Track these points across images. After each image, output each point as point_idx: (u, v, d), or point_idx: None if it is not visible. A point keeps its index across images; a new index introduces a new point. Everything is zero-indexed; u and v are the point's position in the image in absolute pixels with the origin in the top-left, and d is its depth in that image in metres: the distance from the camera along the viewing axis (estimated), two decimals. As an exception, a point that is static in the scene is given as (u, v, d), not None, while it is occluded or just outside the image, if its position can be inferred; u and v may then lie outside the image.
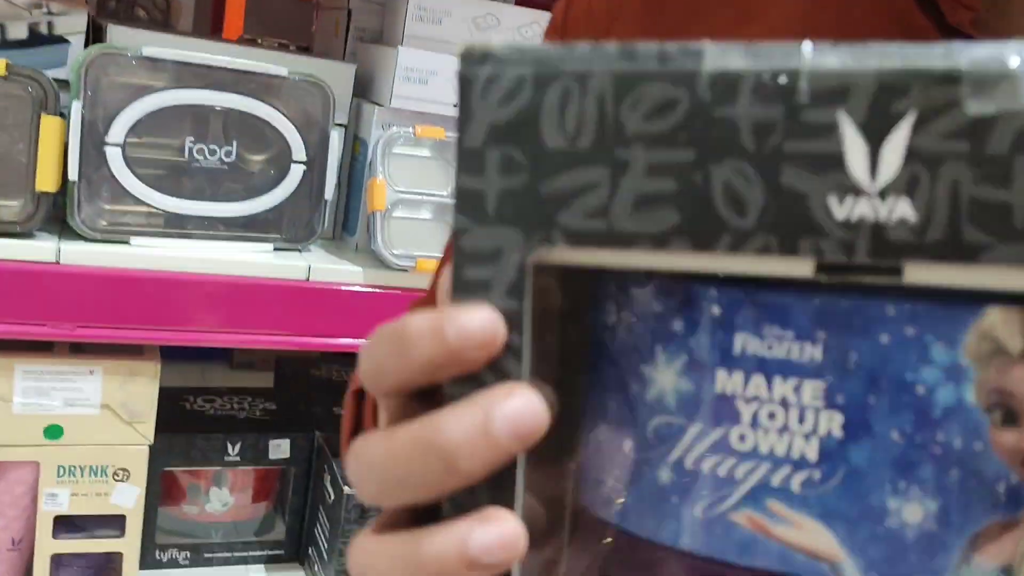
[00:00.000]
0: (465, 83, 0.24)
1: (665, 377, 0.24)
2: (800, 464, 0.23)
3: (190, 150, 0.92)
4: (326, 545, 1.09)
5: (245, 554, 1.14)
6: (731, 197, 0.21)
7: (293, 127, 0.95)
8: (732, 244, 0.21)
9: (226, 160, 0.94)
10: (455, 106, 0.24)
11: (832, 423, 0.22)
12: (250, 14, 2.12)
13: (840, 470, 0.22)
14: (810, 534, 0.23)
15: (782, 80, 0.21)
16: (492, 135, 0.23)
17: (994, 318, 0.22)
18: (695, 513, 0.24)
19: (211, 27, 2.92)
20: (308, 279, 0.95)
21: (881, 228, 0.20)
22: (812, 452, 0.23)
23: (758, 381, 0.23)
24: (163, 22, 1.42)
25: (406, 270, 0.98)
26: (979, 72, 0.19)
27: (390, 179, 0.99)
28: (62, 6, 0.92)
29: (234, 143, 0.94)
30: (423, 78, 1.00)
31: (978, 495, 0.22)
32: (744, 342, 0.23)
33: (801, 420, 0.23)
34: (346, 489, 1.04)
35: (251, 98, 0.93)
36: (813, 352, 0.23)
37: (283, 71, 0.94)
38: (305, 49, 1.49)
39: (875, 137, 0.20)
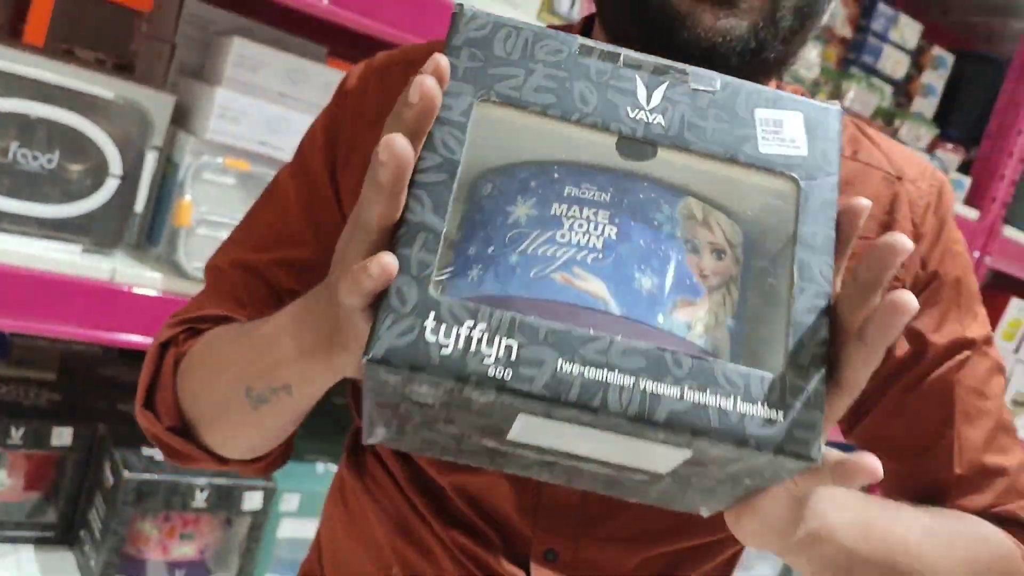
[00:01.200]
0: (458, 15, 0.46)
1: (521, 209, 0.46)
2: (592, 250, 0.45)
3: (15, 153, 1.02)
4: (100, 527, 1.18)
5: (15, 534, 1.21)
6: (580, 97, 0.46)
7: (113, 144, 1.08)
8: (578, 119, 0.45)
9: (47, 167, 1.04)
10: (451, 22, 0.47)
11: (611, 231, 0.45)
12: (60, 22, 2.16)
13: (612, 255, 0.45)
14: (593, 285, 0.44)
15: (620, 61, 0.47)
16: (467, 42, 0.46)
17: (692, 201, 0.47)
18: (530, 275, 0.44)
19: (10, 29, 2.86)
20: (112, 280, 1.07)
21: (648, 124, 0.45)
22: (599, 244, 0.45)
23: (575, 208, 0.46)
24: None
25: (201, 280, 1.11)
26: (692, 70, 0.47)
27: (197, 201, 1.13)
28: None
29: (56, 152, 1.05)
30: (236, 117, 1.14)
31: (677, 283, 0.45)
32: (569, 190, 0.46)
33: (595, 228, 0.45)
34: (126, 474, 1.15)
35: (77, 114, 1.05)
36: (605, 196, 0.46)
37: (110, 95, 1.06)
38: (125, 68, 1.60)
39: (651, 86, 0.46)
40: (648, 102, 0.46)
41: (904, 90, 1.99)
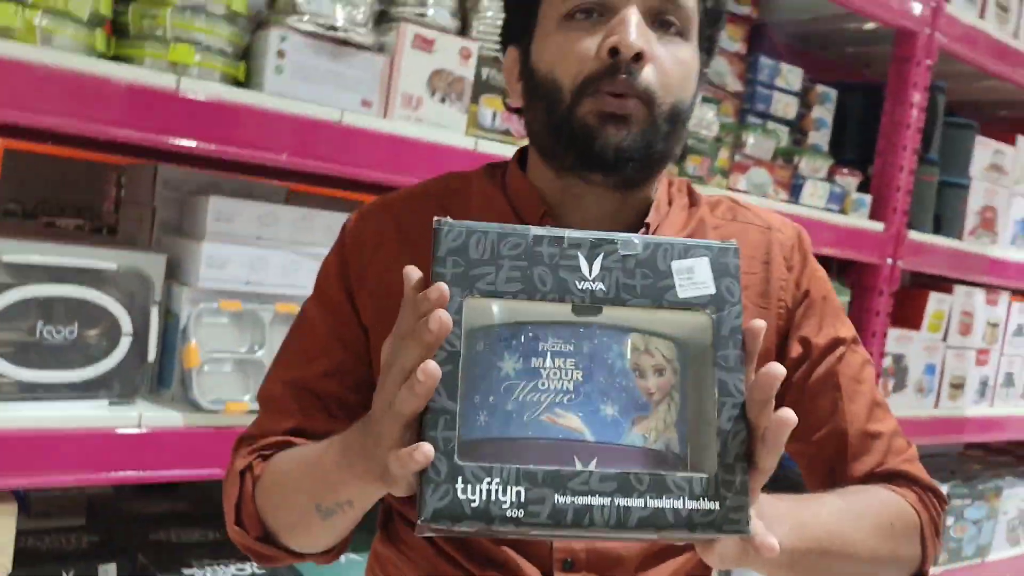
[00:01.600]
0: (439, 230, 0.64)
1: (508, 364, 0.64)
2: (566, 392, 0.64)
3: (40, 331, 1.18)
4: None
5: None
6: (540, 279, 0.65)
7: (121, 307, 1.23)
8: (541, 297, 0.65)
9: (69, 338, 1.20)
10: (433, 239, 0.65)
11: (577, 375, 0.65)
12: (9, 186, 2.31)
13: (581, 394, 0.64)
14: (572, 421, 0.64)
15: (565, 243, 0.66)
16: (449, 252, 0.64)
17: (635, 336, 0.66)
18: (524, 419, 0.64)
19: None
20: (139, 426, 1.22)
21: (593, 292, 0.65)
22: (571, 387, 0.65)
23: (548, 360, 0.65)
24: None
25: (217, 412, 1.27)
26: (620, 239, 0.67)
27: (200, 343, 1.29)
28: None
29: (75, 323, 1.20)
30: (222, 264, 1.31)
31: (630, 405, 0.65)
32: (542, 345, 0.65)
33: (566, 374, 0.65)
34: (172, 595, 1.28)
35: (88, 287, 1.20)
36: (569, 347, 0.65)
37: (113, 266, 1.22)
38: (111, 231, 1.76)
39: (590, 260, 0.66)
40: (590, 273, 0.66)
41: (799, 128, 2.22)
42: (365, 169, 1.35)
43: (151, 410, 1.25)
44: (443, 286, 0.62)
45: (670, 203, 0.95)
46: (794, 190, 2.01)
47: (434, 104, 1.42)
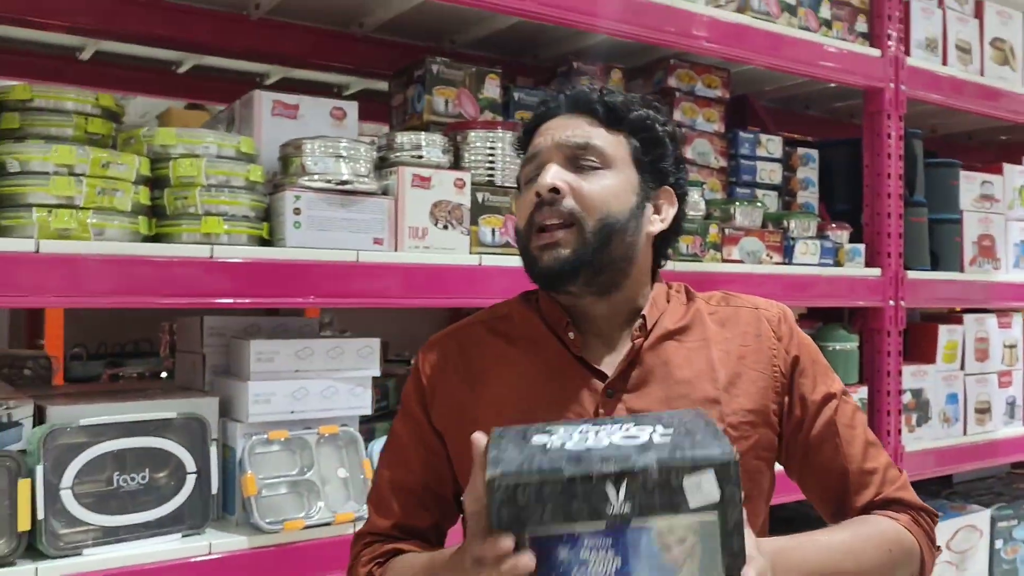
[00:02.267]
0: (491, 486, 0.82)
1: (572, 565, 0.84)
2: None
3: (116, 480, 1.35)
4: None
5: None
6: (578, 513, 0.84)
7: (185, 450, 1.41)
8: (590, 515, 0.84)
9: (142, 483, 1.37)
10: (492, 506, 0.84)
11: (617, 561, 0.84)
12: (72, 330, 2.53)
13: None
14: None
15: (593, 480, 0.83)
16: (502, 503, 0.83)
17: (659, 522, 0.84)
18: None
19: (27, 339, 3.24)
20: (209, 553, 1.38)
21: (623, 515, 0.83)
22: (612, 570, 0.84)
23: (591, 554, 0.84)
24: (46, 377, 1.84)
25: (278, 531, 1.43)
26: (639, 467, 0.84)
27: (256, 471, 1.45)
28: (15, 400, 1.35)
29: (146, 469, 1.37)
30: (268, 399, 1.48)
31: None
32: (585, 546, 0.84)
33: (605, 564, 0.84)
34: None
35: (154, 436, 1.38)
36: (608, 541, 0.84)
37: (174, 414, 1.40)
38: (169, 375, 1.94)
39: (617, 487, 0.84)
40: (618, 499, 0.83)
41: (788, 190, 2.37)
42: (383, 299, 1.52)
43: (218, 537, 1.41)
44: (505, 543, 0.82)
45: (668, 300, 1.18)
46: (787, 252, 2.15)
47: (438, 232, 1.60)
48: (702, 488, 0.83)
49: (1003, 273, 2.66)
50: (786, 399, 1.14)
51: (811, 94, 2.64)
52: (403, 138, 1.63)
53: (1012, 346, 2.71)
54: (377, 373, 1.61)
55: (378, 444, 1.60)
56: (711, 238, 2.01)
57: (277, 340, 1.53)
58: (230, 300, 1.39)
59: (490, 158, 1.67)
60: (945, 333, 2.50)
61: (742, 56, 2.05)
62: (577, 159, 1.10)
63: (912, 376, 2.39)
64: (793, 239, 2.16)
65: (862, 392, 2.29)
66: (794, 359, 1.15)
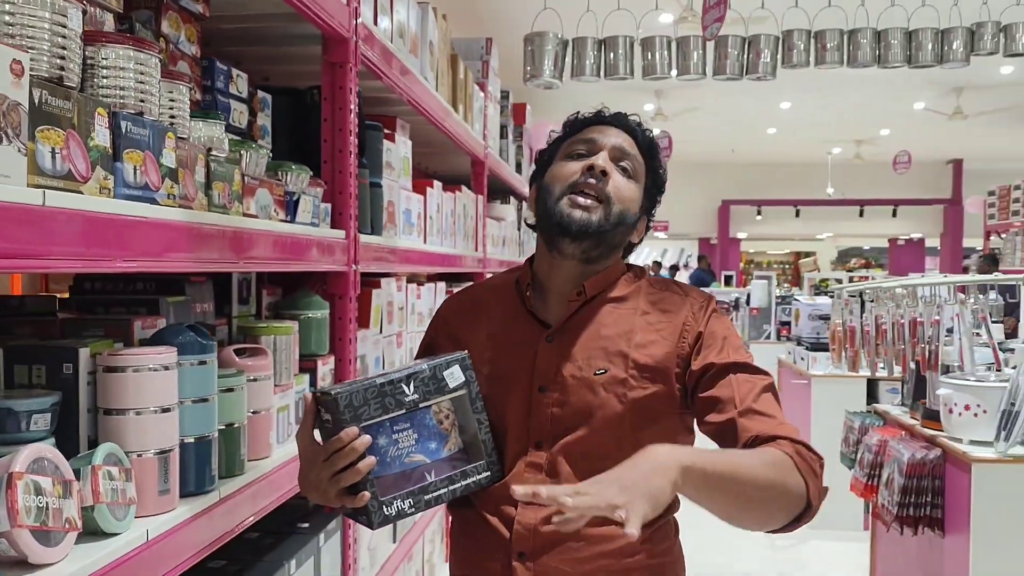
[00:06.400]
0: (337, 399, 1.30)
1: (382, 440, 1.35)
2: (411, 445, 1.39)
3: None
4: None
5: None
6: (389, 404, 1.36)
7: None
8: (386, 414, 1.36)
9: None
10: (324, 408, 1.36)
11: (414, 435, 1.39)
12: None
13: (418, 442, 1.39)
14: (417, 458, 1.40)
15: (395, 382, 1.38)
16: (345, 407, 1.31)
17: (433, 406, 1.41)
18: (398, 463, 1.37)
19: None
20: None
21: (414, 400, 1.39)
22: (413, 442, 1.39)
23: (398, 434, 1.38)
24: None
25: None
26: (417, 369, 1.41)
27: None
28: None
29: None
30: None
31: (440, 438, 1.42)
32: (394, 427, 1.37)
33: (408, 439, 1.39)
34: None
35: None
36: (408, 424, 1.39)
37: None
38: None
39: (408, 384, 1.39)
40: (409, 391, 1.38)
41: (250, 136, 2.05)
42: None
43: None
44: (352, 431, 1.29)
45: (619, 278, 1.54)
46: (289, 207, 1.86)
47: (-14, 145, 0.95)
48: (454, 375, 1.41)
49: (398, 239, 2.76)
50: (691, 362, 1.42)
51: (263, 30, 2.30)
52: None
53: (401, 308, 2.84)
54: None
55: None
56: (235, 186, 1.62)
57: None
58: None
59: (60, 40, 1.05)
60: (375, 298, 2.49)
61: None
62: (620, 162, 1.48)
63: (361, 343, 2.32)
64: (293, 194, 1.88)
65: (331, 363, 2.13)
66: (700, 335, 1.44)
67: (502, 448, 1.46)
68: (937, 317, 3.19)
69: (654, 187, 1.53)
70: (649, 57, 4.72)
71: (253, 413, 1.67)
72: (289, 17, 2.07)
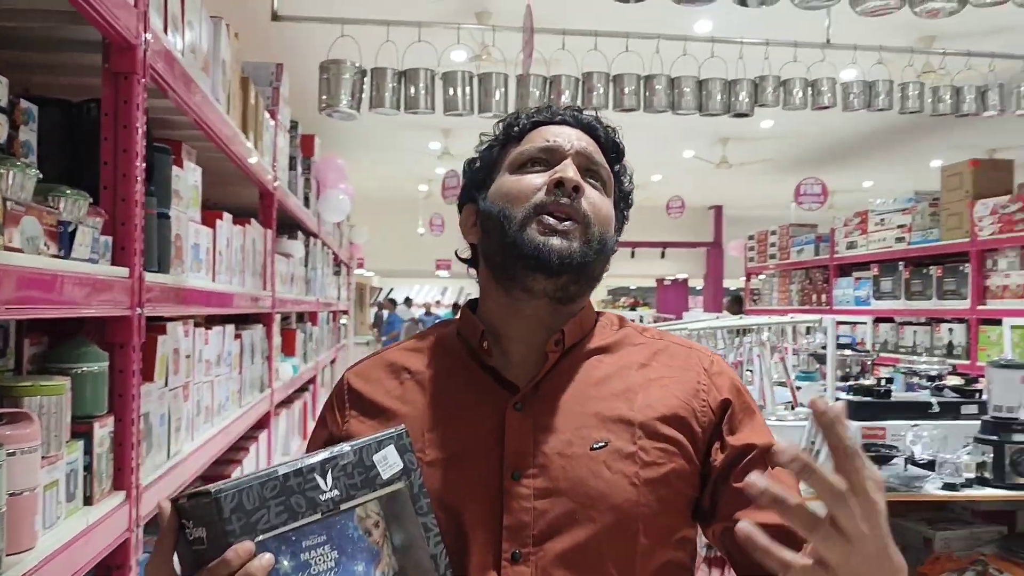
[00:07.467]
0: (218, 500, 0.86)
1: (285, 564, 0.89)
2: (331, 569, 0.92)
3: None
4: None
5: None
6: (297, 504, 0.92)
7: None
8: (293, 520, 0.91)
9: None
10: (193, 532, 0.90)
11: (334, 554, 0.93)
12: None
13: (340, 564, 0.93)
14: None
15: (304, 471, 0.94)
16: (232, 511, 0.87)
17: (358, 510, 0.95)
18: None
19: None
20: None
21: (333, 499, 0.94)
22: (333, 563, 0.93)
23: (311, 553, 0.91)
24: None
25: None
26: (336, 452, 0.97)
27: None
28: None
29: None
30: None
31: (370, 557, 0.95)
32: (305, 543, 0.91)
33: (326, 560, 0.92)
34: None
35: None
36: (323, 537, 0.92)
37: None
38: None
39: (323, 475, 0.94)
40: (327, 485, 0.94)
41: (11, 153, 1.70)
42: None
43: None
44: (245, 546, 0.86)
45: (595, 323, 1.22)
46: (62, 240, 1.54)
47: None
48: (387, 460, 0.98)
49: (186, 277, 2.44)
50: (723, 435, 1.11)
51: (31, 31, 1.95)
52: None
53: (188, 356, 2.51)
54: None
55: None
56: (-4, 214, 1.30)
57: None
58: None
59: None
60: (161, 345, 2.16)
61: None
62: (589, 170, 1.16)
63: (145, 399, 1.99)
64: (69, 224, 1.56)
65: (110, 424, 1.79)
66: (726, 401, 1.14)
67: (463, 564, 1.06)
68: (740, 359, 3.25)
69: (623, 202, 1.23)
70: (451, 92, 4.61)
71: (13, 495, 1.34)
72: (65, 16, 1.76)
